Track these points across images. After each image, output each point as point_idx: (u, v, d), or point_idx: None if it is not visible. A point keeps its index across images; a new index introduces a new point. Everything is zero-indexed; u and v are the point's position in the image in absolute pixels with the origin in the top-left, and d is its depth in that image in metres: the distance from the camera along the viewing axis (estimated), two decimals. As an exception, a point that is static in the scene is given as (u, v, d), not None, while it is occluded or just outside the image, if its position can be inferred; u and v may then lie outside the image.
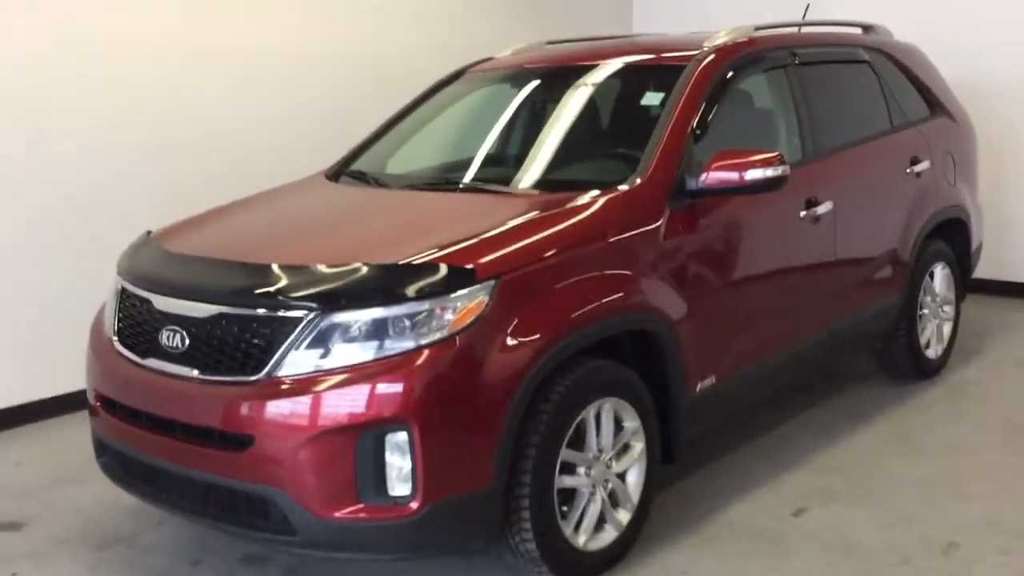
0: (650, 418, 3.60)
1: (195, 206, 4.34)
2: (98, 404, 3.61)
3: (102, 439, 3.64)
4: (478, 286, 3.10)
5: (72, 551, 3.87)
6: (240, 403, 3.10)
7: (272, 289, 3.18)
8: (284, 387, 3.06)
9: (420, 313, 3.05)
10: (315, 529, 3.06)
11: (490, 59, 5.04)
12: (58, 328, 5.22)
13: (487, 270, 3.15)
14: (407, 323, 3.05)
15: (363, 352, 3.04)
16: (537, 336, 3.18)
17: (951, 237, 5.51)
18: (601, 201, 3.60)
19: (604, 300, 3.41)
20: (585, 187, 3.73)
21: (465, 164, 4.32)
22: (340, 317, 3.06)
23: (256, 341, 3.14)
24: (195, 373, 3.24)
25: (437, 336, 3.03)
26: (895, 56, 5.40)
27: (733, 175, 3.72)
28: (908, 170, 5.12)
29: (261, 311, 3.16)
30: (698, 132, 3.95)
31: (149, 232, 4.02)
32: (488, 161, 4.39)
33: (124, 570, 3.72)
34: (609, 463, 3.49)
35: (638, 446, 3.59)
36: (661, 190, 3.71)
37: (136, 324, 3.49)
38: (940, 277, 5.48)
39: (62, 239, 5.26)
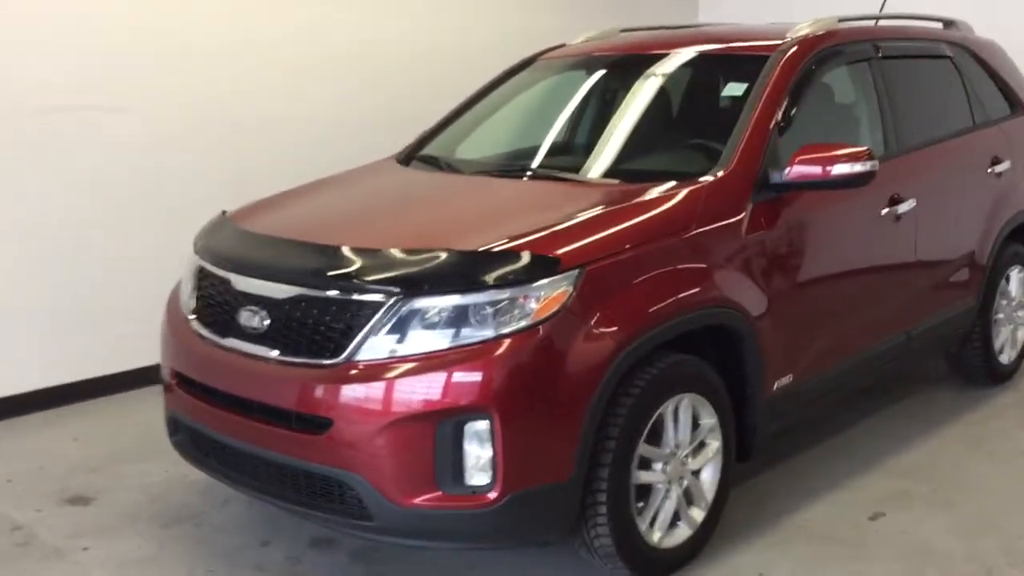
0: (727, 415, 3.54)
1: (260, 188, 4.36)
2: (174, 382, 3.60)
3: (176, 417, 3.64)
4: (562, 275, 3.05)
5: (141, 527, 3.88)
6: (319, 386, 3.08)
7: (353, 272, 3.15)
8: (364, 371, 3.03)
9: (503, 301, 3.01)
10: (391, 515, 3.03)
11: (562, 46, 4.97)
12: (115, 307, 5.24)
13: (571, 259, 3.09)
14: (489, 311, 3.01)
15: (444, 338, 3.01)
16: (619, 328, 3.13)
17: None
18: (683, 192, 3.53)
19: (686, 294, 3.35)
20: (663, 178, 3.66)
21: (537, 151, 4.27)
22: (422, 302, 3.03)
23: (336, 324, 3.11)
24: (274, 354, 3.22)
25: (520, 325, 2.99)
26: (977, 52, 5.26)
27: (819, 169, 3.64)
28: (989, 170, 5.00)
29: (341, 294, 3.13)
30: (782, 125, 3.86)
31: (224, 212, 4.01)
32: (562, 149, 4.33)
33: (193, 547, 3.72)
34: (685, 460, 3.44)
35: (714, 443, 3.53)
36: (745, 183, 3.64)
37: (215, 303, 3.48)
38: (1016, 281, 5.35)
39: (125, 220, 5.27)
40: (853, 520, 3.84)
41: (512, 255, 3.09)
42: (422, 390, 2.97)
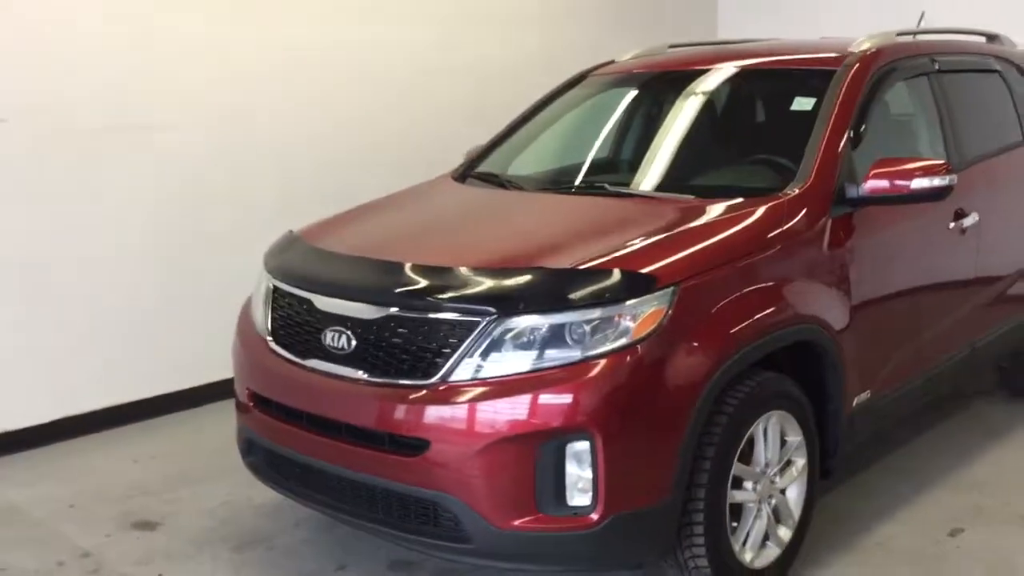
0: (812, 432, 3.51)
1: (307, 206, 4.32)
2: (250, 403, 3.55)
3: (252, 438, 3.60)
4: (659, 293, 3.02)
5: (212, 551, 3.82)
6: (414, 407, 3.04)
7: (447, 292, 3.11)
8: (462, 392, 2.99)
9: (599, 320, 2.98)
10: (491, 538, 2.99)
11: (611, 63, 4.96)
12: (171, 326, 5.21)
13: (666, 277, 3.06)
14: (586, 329, 2.97)
15: (540, 358, 2.97)
16: (715, 346, 3.10)
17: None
18: (763, 208, 3.51)
19: (776, 310, 3.32)
20: (734, 194, 3.64)
21: (599, 167, 4.25)
22: (518, 322, 2.99)
23: (429, 344, 3.07)
24: (362, 375, 3.18)
25: (618, 344, 2.96)
26: (1022, 66, 5.27)
27: (898, 183, 3.62)
28: (1041, 183, 4.99)
29: (435, 314, 3.09)
30: (853, 138, 3.84)
31: (291, 231, 3.97)
32: (624, 165, 4.31)
33: (268, 571, 3.67)
34: (774, 478, 3.40)
35: (800, 461, 3.50)
36: (824, 197, 3.62)
37: (294, 324, 3.44)
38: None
39: (180, 235, 5.23)
40: (932, 536, 3.81)
41: (606, 273, 3.06)
42: (522, 411, 2.93)
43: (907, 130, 4.44)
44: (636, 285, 3.02)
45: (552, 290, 3.04)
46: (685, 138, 4.16)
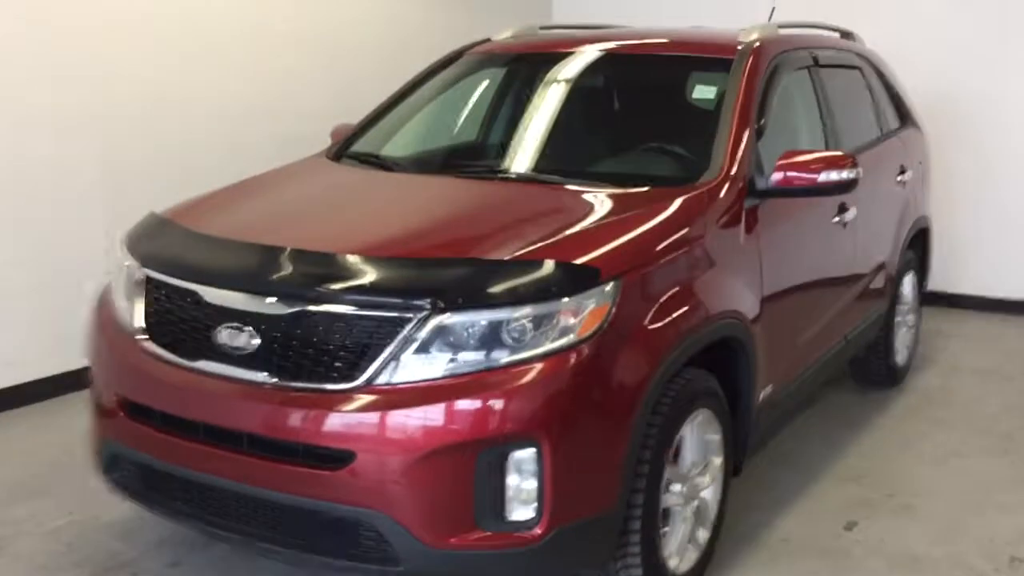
0: (728, 430, 3.40)
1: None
2: (120, 411, 3.09)
3: (119, 451, 3.14)
4: (603, 286, 2.81)
5: (66, 582, 3.32)
6: (335, 415, 2.70)
7: (371, 285, 2.79)
8: (391, 397, 2.68)
9: (544, 316, 2.74)
10: (423, 559, 2.70)
11: (487, 41, 4.71)
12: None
13: (609, 269, 2.86)
14: (529, 326, 2.73)
15: (480, 358, 2.71)
16: (656, 344, 2.93)
17: (916, 246, 5.58)
18: (684, 198, 3.36)
19: (706, 304, 3.19)
20: (645, 182, 3.50)
21: (493, 150, 4.04)
22: (455, 318, 2.71)
23: (350, 343, 2.74)
24: (268, 378, 2.81)
25: (563, 342, 2.73)
26: (875, 64, 5.41)
27: (807, 176, 3.57)
28: (898, 178, 5.14)
29: (357, 310, 2.76)
30: (757, 129, 3.77)
31: (155, 213, 3.51)
32: (520, 148, 4.05)
33: (138, 604, 3.22)
34: (696, 479, 3.27)
35: (717, 460, 3.39)
36: (739, 188, 3.52)
37: (176, 320, 3.01)
38: (909, 285, 5.54)
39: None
40: (831, 530, 3.81)
41: (547, 265, 2.83)
42: (462, 417, 2.66)
43: (797, 122, 4.42)
44: (581, 278, 2.80)
45: (491, 283, 2.78)
46: (581, 123, 4.00)
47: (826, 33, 5.25)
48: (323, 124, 5.39)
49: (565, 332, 2.74)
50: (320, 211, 3.47)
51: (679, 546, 3.21)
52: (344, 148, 4.22)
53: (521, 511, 2.70)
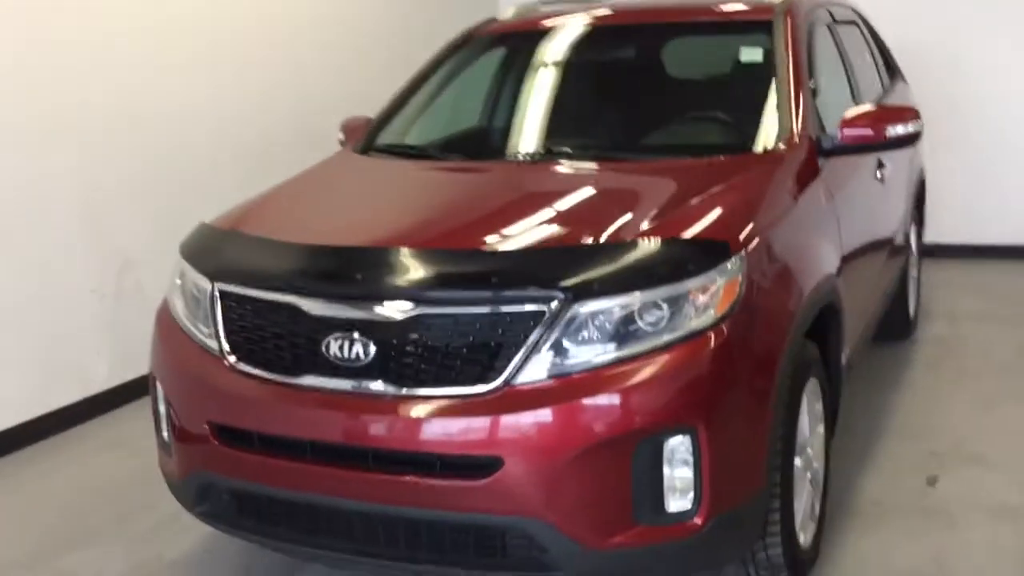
0: (827, 397, 3.32)
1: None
2: (212, 440, 2.85)
3: (210, 482, 2.90)
4: (733, 260, 2.68)
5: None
6: (477, 420, 2.52)
7: (500, 279, 2.60)
8: (537, 395, 2.51)
9: (683, 295, 2.59)
10: (584, 562, 2.55)
11: (493, 21, 4.53)
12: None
13: (736, 242, 2.73)
14: (668, 308, 2.58)
15: (623, 346, 2.55)
16: (783, 314, 2.83)
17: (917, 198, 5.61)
18: (768, 165, 3.26)
19: (813, 269, 3.10)
20: (720, 151, 3.40)
21: (550, 133, 3.84)
22: (593, 306, 2.55)
23: (480, 343, 2.56)
24: (390, 388, 2.60)
25: (705, 321, 2.59)
26: (864, 17, 5.40)
27: (875, 131, 3.50)
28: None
29: (485, 307, 2.58)
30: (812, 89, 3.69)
31: (206, 223, 3.26)
32: (580, 130, 3.89)
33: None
34: (809, 450, 3.18)
35: (820, 428, 3.30)
36: (812, 149, 3.43)
37: (270, 336, 2.78)
38: (913, 237, 5.57)
39: None
40: (915, 489, 3.77)
41: (681, 242, 2.69)
42: (615, 409, 2.51)
43: (828, 81, 4.36)
44: (714, 253, 2.66)
45: (625, 266, 2.62)
46: (630, 98, 3.87)
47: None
48: (318, 121, 5.23)
49: (705, 310, 2.60)
50: (399, 208, 3.27)
51: (803, 520, 3.11)
52: (371, 141, 4.00)
53: (679, 501, 2.56)
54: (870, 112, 3.54)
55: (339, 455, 2.65)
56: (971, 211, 7.02)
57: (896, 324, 5.31)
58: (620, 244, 2.69)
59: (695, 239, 2.70)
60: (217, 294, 2.91)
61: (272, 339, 2.78)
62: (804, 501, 3.11)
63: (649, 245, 2.67)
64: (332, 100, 6.11)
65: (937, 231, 7.04)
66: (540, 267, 2.63)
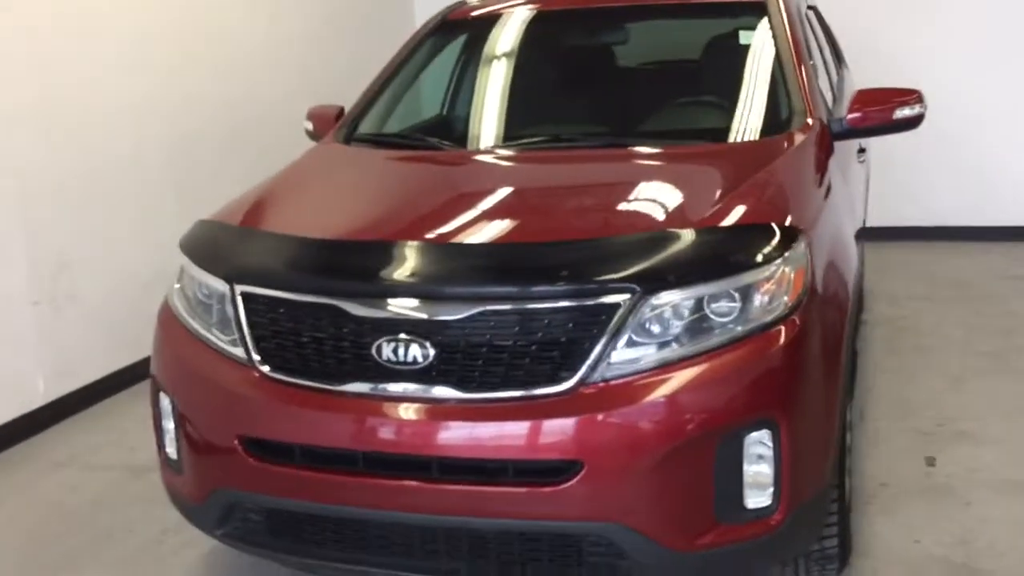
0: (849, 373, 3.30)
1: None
2: (242, 454, 2.61)
3: (237, 500, 2.67)
4: (801, 246, 2.61)
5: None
6: (554, 423, 2.37)
7: (568, 273, 2.45)
8: (616, 394, 2.39)
9: (756, 284, 2.50)
10: (667, 566, 2.44)
11: (463, 4, 4.37)
12: None
13: (797, 227, 2.66)
14: (742, 298, 2.49)
15: (699, 339, 2.45)
16: (841, 299, 2.78)
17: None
18: (799, 147, 3.21)
19: (851, 250, 3.09)
20: (733, 136, 3.34)
21: (559, 118, 3.72)
22: (669, 297, 2.44)
23: (549, 341, 2.42)
24: (455, 392, 2.44)
25: (779, 311, 2.51)
26: (815, 5, 5.45)
27: (881, 113, 3.49)
28: (858, 115, 5.20)
29: (551, 303, 2.43)
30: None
31: (209, 220, 3.02)
32: (593, 114, 3.76)
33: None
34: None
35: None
36: (825, 130, 3.40)
37: (307, 341, 2.57)
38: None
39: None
40: (917, 469, 3.79)
41: (751, 230, 2.60)
42: (698, 406, 2.40)
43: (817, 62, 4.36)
44: (783, 240, 2.57)
45: (698, 255, 2.52)
46: (645, 83, 3.78)
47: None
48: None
49: (778, 298, 2.52)
50: (433, 201, 3.07)
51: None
52: (352, 131, 3.79)
53: (759, 498, 2.48)
54: (875, 94, 3.52)
55: (396, 466, 2.47)
56: (900, 195, 7.19)
57: (852, 302, 5.38)
58: (687, 233, 2.58)
59: (759, 225, 2.62)
60: (239, 298, 2.67)
61: (311, 344, 2.56)
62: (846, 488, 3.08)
63: (715, 233, 2.58)
64: (260, 98, 5.88)
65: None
66: (611, 259, 2.50)
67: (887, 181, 7.09)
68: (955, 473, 3.74)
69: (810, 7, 4.95)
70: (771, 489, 2.47)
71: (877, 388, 4.58)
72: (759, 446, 2.45)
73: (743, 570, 2.63)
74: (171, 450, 2.86)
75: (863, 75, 6.61)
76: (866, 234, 6.87)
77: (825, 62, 4.42)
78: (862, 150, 4.27)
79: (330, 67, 6.56)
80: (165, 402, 2.84)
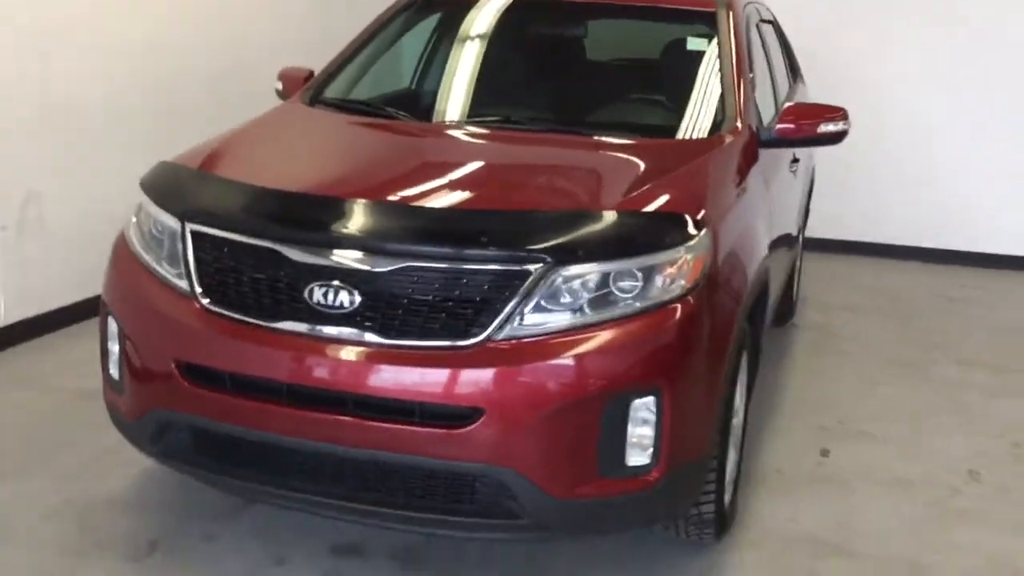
0: (751, 367, 3.58)
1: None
2: (178, 378, 2.86)
3: (171, 419, 2.92)
4: (705, 234, 2.88)
5: (101, 565, 3.07)
6: (464, 372, 2.64)
7: (491, 239, 2.72)
8: (520, 352, 2.65)
9: (659, 265, 2.78)
10: (549, 511, 2.71)
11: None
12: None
13: (705, 218, 2.93)
14: (644, 276, 2.76)
15: (600, 310, 2.72)
16: (738, 288, 3.06)
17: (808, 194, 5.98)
18: (721, 149, 3.47)
19: (759, 249, 3.35)
20: (671, 133, 3.61)
21: (502, 101, 3.95)
22: (577, 270, 2.71)
23: (465, 299, 2.68)
24: (373, 337, 2.70)
25: (677, 291, 2.78)
26: (775, 18, 5.71)
27: (806, 127, 3.76)
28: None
29: (471, 264, 2.69)
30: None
31: (170, 162, 3.25)
32: (538, 101, 4.01)
33: (191, 580, 3.04)
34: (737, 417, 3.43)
35: (744, 398, 3.56)
36: (754, 138, 3.67)
37: (247, 280, 2.82)
38: (801, 230, 5.94)
39: None
40: (812, 459, 4.09)
41: (661, 215, 2.87)
42: (592, 370, 2.67)
43: (759, 75, 4.61)
44: (689, 227, 2.85)
45: (609, 234, 2.79)
46: (588, 76, 4.04)
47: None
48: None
49: (675, 282, 2.79)
50: (378, 163, 3.33)
51: (728, 481, 3.36)
52: (319, 93, 4.03)
53: (639, 456, 2.75)
54: (804, 108, 3.80)
55: (317, 399, 2.72)
56: (853, 211, 7.46)
57: (782, 308, 5.66)
58: (601, 214, 2.85)
59: (668, 214, 2.89)
60: (189, 235, 2.92)
61: (250, 283, 2.81)
62: (731, 464, 3.36)
63: (627, 217, 2.85)
64: (247, 45, 6.06)
65: (811, 225, 7.52)
66: (527, 230, 2.76)
67: (841, 197, 7.40)
68: (845, 466, 4.03)
69: (768, 21, 5.22)
70: (651, 450, 2.74)
71: (792, 386, 4.87)
72: (644, 411, 2.72)
73: (621, 521, 2.90)
74: (114, 371, 3.10)
75: (826, 93, 6.93)
76: (814, 245, 7.28)
77: (773, 75, 4.67)
78: (795, 160, 4.54)
79: (328, 23, 6.61)
80: (113, 326, 3.08)
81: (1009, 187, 7.18)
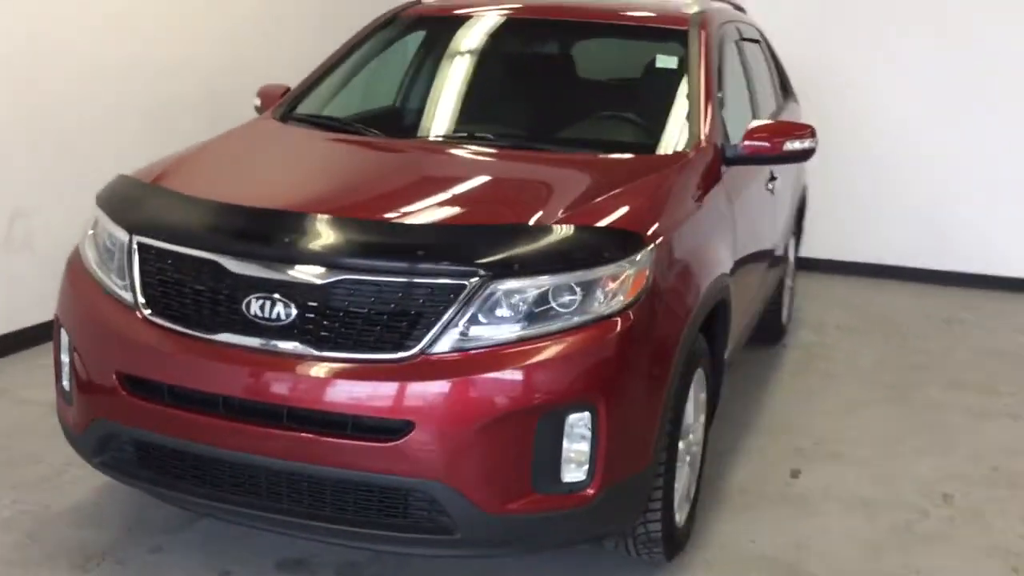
0: (710, 387, 3.55)
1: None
2: (120, 390, 2.87)
3: (113, 431, 2.93)
4: (646, 251, 2.87)
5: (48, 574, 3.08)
6: (394, 385, 2.63)
7: (426, 252, 2.72)
8: (452, 366, 2.65)
9: (596, 280, 2.76)
10: (481, 526, 2.69)
11: (418, 3, 4.63)
12: None
13: (649, 235, 2.92)
14: (581, 291, 2.75)
15: (535, 324, 2.71)
16: (684, 306, 3.03)
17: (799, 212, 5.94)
18: (679, 166, 3.45)
19: (712, 267, 3.31)
20: (629, 150, 3.59)
21: (470, 117, 3.97)
22: (512, 284, 2.70)
23: (400, 312, 2.68)
24: (309, 350, 2.70)
25: (615, 307, 2.77)
26: (765, 37, 5.69)
27: (771, 144, 3.74)
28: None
29: (407, 278, 2.69)
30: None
31: (127, 176, 3.28)
32: (504, 117, 4.02)
33: (134, 592, 3.04)
34: (691, 436, 3.40)
35: (702, 417, 3.53)
36: (718, 155, 3.66)
37: (188, 292, 2.83)
38: (792, 248, 5.90)
39: None
40: (780, 479, 4.04)
41: (599, 230, 2.86)
42: (525, 384, 2.66)
43: (735, 93, 4.60)
44: (629, 243, 2.85)
45: (544, 249, 2.78)
46: (548, 92, 4.05)
47: (725, 6, 5.47)
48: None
49: (614, 297, 2.78)
50: (325, 177, 3.35)
51: (680, 500, 3.33)
52: (291, 109, 4.05)
53: (575, 472, 2.73)
54: (770, 126, 3.78)
55: (252, 412, 2.73)
56: (844, 229, 7.41)
57: (769, 329, 5.62)
58: (539, 228, 2.84)
59: (609, 229, 2.88)
60: (135, 247, 2.94)
61: (191, 295, 2.83)
62: (683, 482, 3.32)
63: (566, 231, 2.84)
64: (245, 69, 6.11)
65: (810, 245, 7.47)
66: (463, 244, 2.76)
67: (840, 217, 7.35)
68: (813, 487, 3.98)
69: (753, 40, 5.21)
70: (587, 466, 2.72)
71: (771, 406, 4.82)
72: (580, 426, 2.70)
73: (556, 537, 2.86)
74: (66, 383, 3.12)
75: (822, 113, 6.90)
76: (811, 265, 7.24)
77: (753, 93, 4.64)
78: (773, 178, 4.51)
79: (321, 45, 6.66)
80: (65, 339, 3.10)
81: (1009, 209, 7.10)
